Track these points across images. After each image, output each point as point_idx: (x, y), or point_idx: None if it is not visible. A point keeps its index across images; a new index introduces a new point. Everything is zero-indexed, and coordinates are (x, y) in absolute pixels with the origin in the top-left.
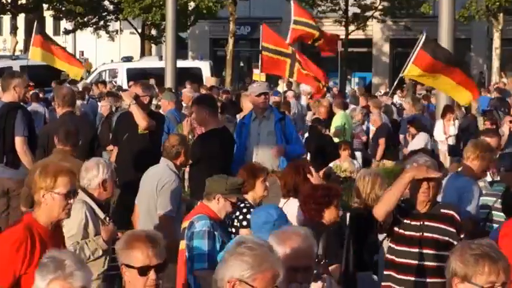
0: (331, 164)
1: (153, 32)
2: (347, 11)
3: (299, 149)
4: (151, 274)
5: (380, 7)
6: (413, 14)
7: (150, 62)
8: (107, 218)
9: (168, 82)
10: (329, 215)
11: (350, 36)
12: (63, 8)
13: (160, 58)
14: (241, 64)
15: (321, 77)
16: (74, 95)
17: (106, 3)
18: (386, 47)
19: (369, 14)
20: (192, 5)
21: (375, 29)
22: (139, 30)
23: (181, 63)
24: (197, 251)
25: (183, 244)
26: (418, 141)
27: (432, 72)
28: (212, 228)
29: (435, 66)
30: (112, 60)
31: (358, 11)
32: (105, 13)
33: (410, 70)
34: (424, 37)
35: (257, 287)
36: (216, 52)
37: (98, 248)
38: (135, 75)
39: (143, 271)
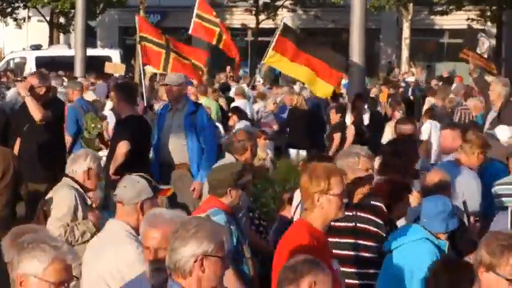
0: None
1: (62, 20)
2: (257, 0)
3: (209, 157)
4: None
5: None
6: (323, 4)
7: (60, 51)
8: (93, 205)
9: (78, 70)
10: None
11: (260, 26)
12: None
13: (70, 46)
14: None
15: (203, 60)
16: None
17: None
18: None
19: (279, 3)
20: None
21: (285, 19)
22: (48, 18)
23: (90, 52)
24: None
25: None
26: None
27: (292, 60)
28: (228, 223)
29: (295, 53)
30: (23, 49)
31: (268, 0)
32: (13, 0)
33: (270, 56)
34: (282, 25)
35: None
36: (125, 41)
37: (86, 231)
38: (44, 64)
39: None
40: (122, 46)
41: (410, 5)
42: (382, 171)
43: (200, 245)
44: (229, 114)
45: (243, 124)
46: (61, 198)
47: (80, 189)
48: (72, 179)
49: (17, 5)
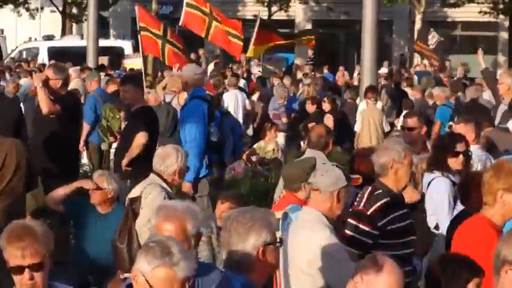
0: (255, 145)
1: (74, 10)
2: None
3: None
4: (26, 274)
5: None
6: None
7: (72, 41)
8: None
9: (90, 61)
10: None
11: (273, 17)
12: None
13: (82, 37)
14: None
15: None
16: None
17: None
18: (308, 28)
19: None
20: None
21: (297, 10)
22: (61, 9)
23: (103, 43)
24: None
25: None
26: None
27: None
28: None
29: (273, 38)
30: (35, 39)
31: None
32: None
33: (251, 51)
34: (259, 20)
35: None
36: (136, 32)
37: None
38: (57, 54)
39: (16, 270)
40: (134, 37)
41: None
42: None
43: (260, 237)
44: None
45: None
46: (152, 199)
47: (168, 189)
48: (160, 176)
49: None
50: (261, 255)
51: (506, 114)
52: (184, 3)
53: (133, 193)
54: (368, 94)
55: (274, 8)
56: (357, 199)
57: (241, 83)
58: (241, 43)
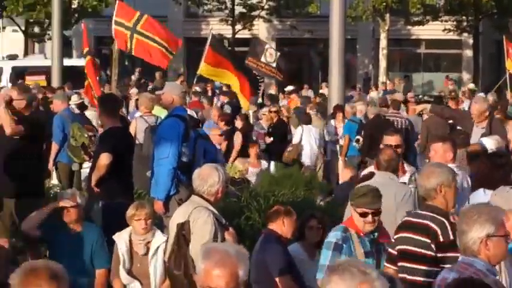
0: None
1: (36, 29)
2: (233, 10)
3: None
4: None
5: (266, 6)
6: (299, 14)
7: (36, 60)
8: (226, 223)
9: (55, 80)
10: None
11: (236, 36)
12: None
13: (45, 56)
14: (126, 62)
15: (174, 47)
16: None
17: None
18: (272, 47)
19: (255, 13)
20: (75, 3)
21: (261, 28)
22: (23, 28)
23: (67, 62)
24: (321, 261)
25: None
26: None
27: (223, 69)
28: (342, 240)
29: (224, 63)
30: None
31: (244, 10)
32: None
33: (203, 68)
34: (211, 36)
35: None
36: (100, 50)
37: None
38: (21, 74)
39: None
40: (98, 55)
41: (387, 15)
42: None
43: (483, 229)
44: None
45: None
46: (203, 224)
47: (214, 210)
48: (201, 197)
49: None
50: (484, 245)
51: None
52: (113, 21)
53: (178, 218)
54: (337, 113)
55: (238, 27)
56: None
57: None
58: (170, 56)
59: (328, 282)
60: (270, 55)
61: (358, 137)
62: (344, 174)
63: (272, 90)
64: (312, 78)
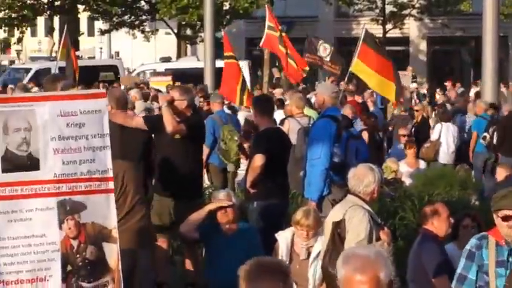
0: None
1: (188, 32)
2: (384, 10)
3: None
4: None
5: (417, 5)
6: (451, 12)
7: (189, 63)
8: (382, 222)
9: (208, 82)
10: None
11: (387, 35)
12: (99, 9)
13: (198, 58)
14: (277, 63)
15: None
16: (126, 97)
17: (142, 3)
18: (423, 45)
19: (406, 12)
20: (227, 5)
21: (412, 27)
22: (175, 31)
23: (219, 63)
24: (458, 269)
25: None
26: None
27: (372, 69)
28: (476, 248)
29: (376, 61)
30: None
31: (395, 9)
32: (141, 13)
33: (355, 65)
34: (364, 32)
35: None
36: (251, 51)
37: None
38: (174, 76)
39: None
40: (249, 57)
41: None
42: None
43: None
44: None
45: None
46: (358, 222)
47: (370, 209)
48: (358, 196)
49: (144, 17)
50: None
51: None
52: (266, 26)
53: (334, 216)
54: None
55: (388, 26)
56: None
57: None
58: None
59: None
60: (324, 49)
61: (485, 134)
62: (499, 172)
63: (423, 90)
64: (463, 76)
